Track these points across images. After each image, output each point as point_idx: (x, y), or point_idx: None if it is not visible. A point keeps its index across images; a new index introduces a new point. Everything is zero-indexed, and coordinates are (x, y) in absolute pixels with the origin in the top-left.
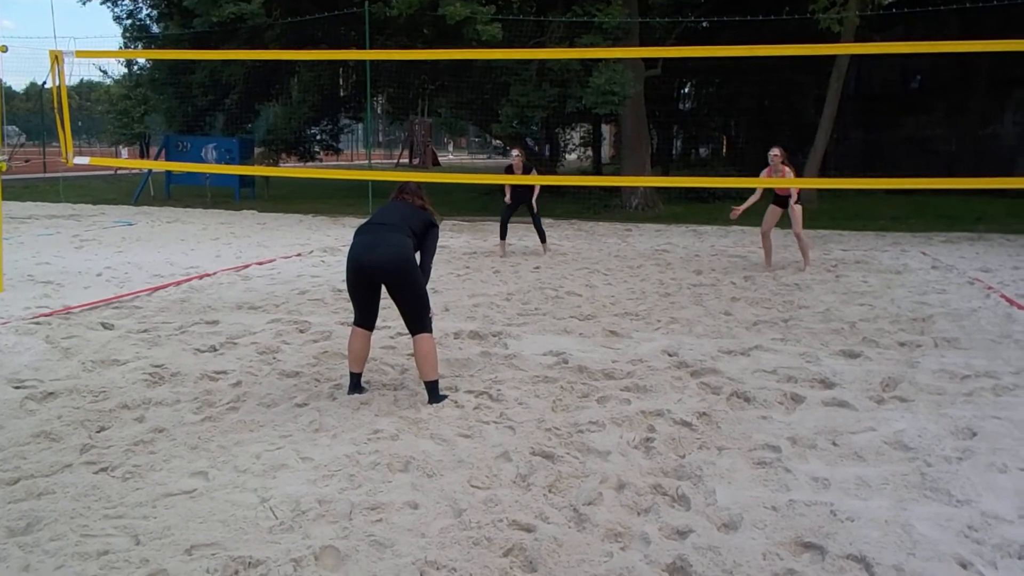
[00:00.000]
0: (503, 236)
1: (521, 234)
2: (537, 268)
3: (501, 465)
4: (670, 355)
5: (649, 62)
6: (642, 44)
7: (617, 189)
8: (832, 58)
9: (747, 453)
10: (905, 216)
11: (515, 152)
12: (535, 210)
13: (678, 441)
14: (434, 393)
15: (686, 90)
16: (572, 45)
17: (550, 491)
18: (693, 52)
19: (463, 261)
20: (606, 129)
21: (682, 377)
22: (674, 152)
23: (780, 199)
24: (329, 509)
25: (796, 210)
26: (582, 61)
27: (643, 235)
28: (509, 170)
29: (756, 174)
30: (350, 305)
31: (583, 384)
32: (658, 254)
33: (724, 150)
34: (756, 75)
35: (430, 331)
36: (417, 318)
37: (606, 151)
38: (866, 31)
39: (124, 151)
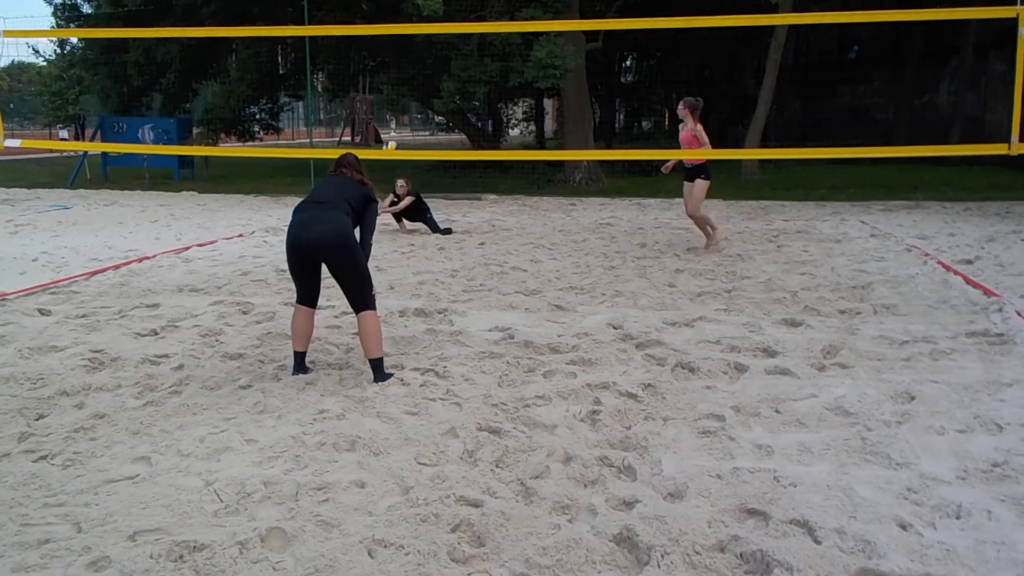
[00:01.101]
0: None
1: (465, 210)
2: (482, 244)
3: (448, 442)
4: (615, 328)
5: (590, 35)
6: (583, 17)
7: (560, 164)
8: (771, 29)
9: (692, 423)
10: (844, 185)
11: (400, 182)
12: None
13: (624, 413)
14: (379, 371)
15: (627, 63)
16: (513, 18)
17: (497, 466)
18: (633, 24)
19: (407, 239)
20: (548, 104)
21: (627, 350)
22: (617, 125)
23: (688, 171)
24: (275, 491)
25: (699, 184)
26: (523, 35)
27: (587, 209)
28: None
29: None
30: (293, 285)
31: (529, 359)
32: (602, 228)
33: (666, 123)
34: (697, 47)
35: (374, 308)
36: (359, 295)
37: (549, 126)
38: (804, 1)
39: (62, 132)
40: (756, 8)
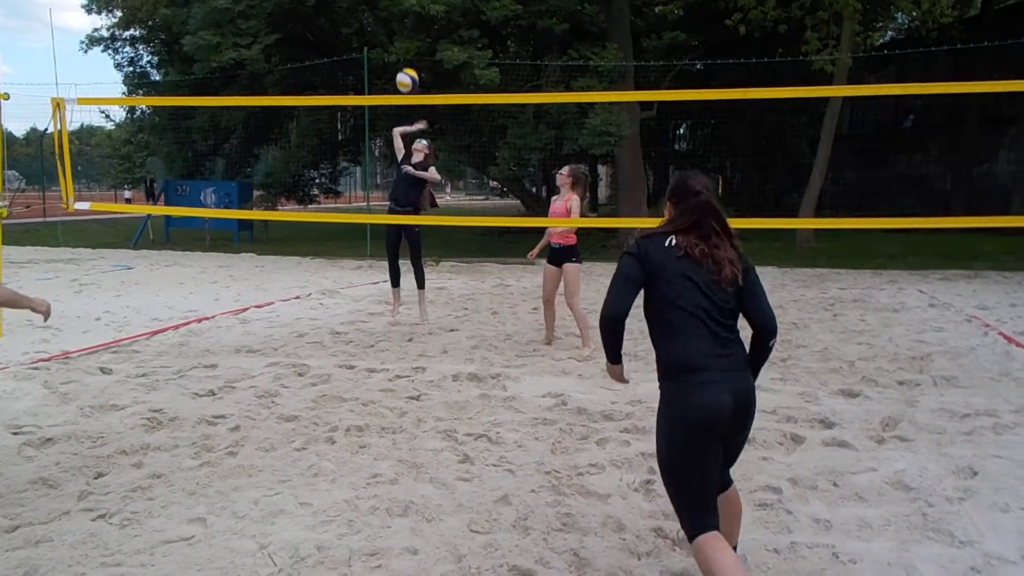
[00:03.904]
0: (395, 281)
1: (519, 274)
2: (535, 309)
3: (501, 509)
4: None
5: (645, 104)
6: (637, 87)
7: (615, 229)
8: (826, 98)
9: (748, 495)
10: (901, 254)
11: (423, 140)
12: (416, 241)
13: None
14: None
15: (681, 131)
16: (568, 88)
17: (550, 535)
18: (688, 96)
19: (461, 303)
20: (602, 170)
21: None
22: None
23: (556, 250)
24: (328, 556)
25: (570, 271)
26: (578, 104)
27: None
28: (406, 159)
29: (752, 213)
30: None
31: (582, 426)
32: None
33: (720, 190)
34: (751, 116)
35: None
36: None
37: (603, 192)
38: (859, 72)
39: (126, 193)
40: (811, 79)
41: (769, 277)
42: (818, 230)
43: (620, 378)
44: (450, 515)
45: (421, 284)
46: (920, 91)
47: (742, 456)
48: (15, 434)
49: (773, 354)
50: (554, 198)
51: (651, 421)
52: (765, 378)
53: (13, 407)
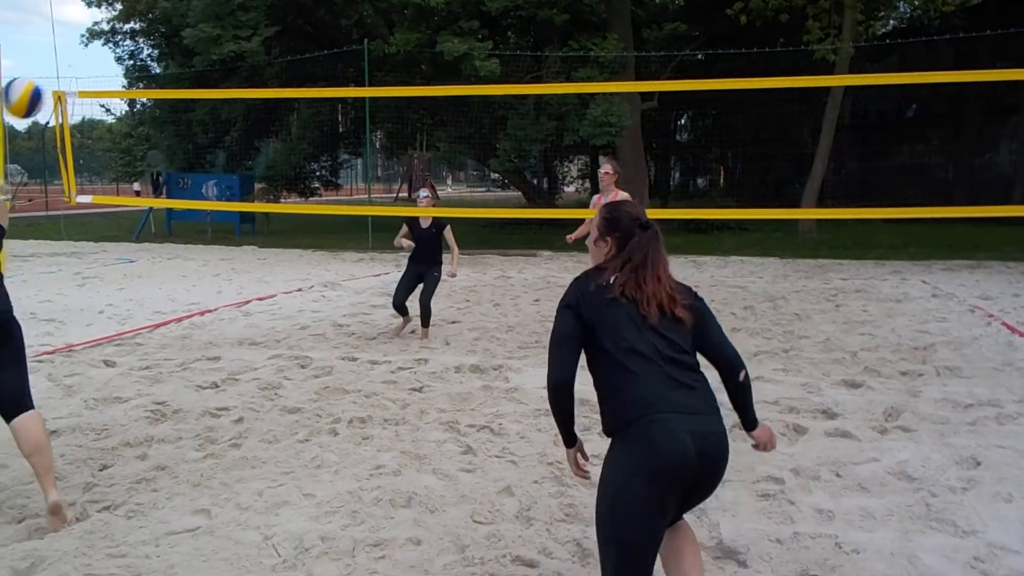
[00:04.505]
0: (402, 311)
1: (521, 266)
2: (537, 301)
3: (504, 500)
4: None
5: (646, 94)
6: (638, 77)
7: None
8: (827, 88)
9: (750, 485)
10: (904, 244)
11: (423, 192)
12: (435, 283)
13: None
14: None
15: (683, 121)
16: (569, 79)
17: (553, 525)
18: (689, 86)
19: (463, 295)
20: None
21: None
22: (672, 183)
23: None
24: (332, 546)
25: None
26: (579, 94)
27: None
28: (412, 226)
29: (754, 204)
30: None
31: (585, 417)
32: None
33: (721, 180)
34: (752, 106)
35: None
36: None
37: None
38: (861, 61)
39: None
40: (812, 68)
41: (771, 268)
42: (820, 220)
43: (579, 469)
44: (453, 506)
45: (426, 323)
46: (922, 80)
47: (744, 447)
48: None
49: (775, 344)
50: (596, 196)
51: None
52: (767, 368)
53: None
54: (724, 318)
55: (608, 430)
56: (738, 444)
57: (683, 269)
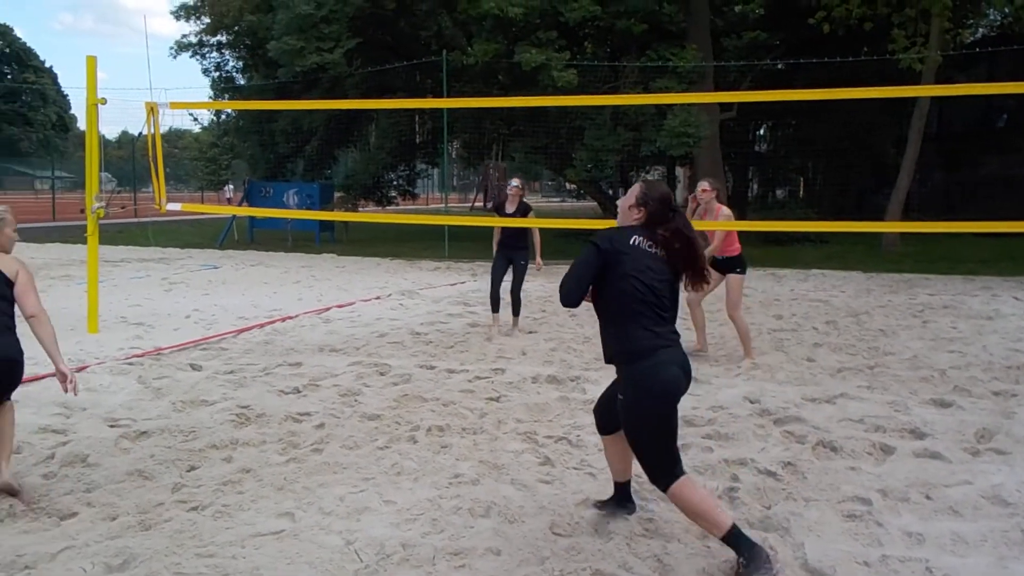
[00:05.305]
0: (495, 307)
1: None
2: None
3: (583, 512)
4: (752, 402)
5: (724, 104)
6: (717, 87)
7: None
8: (914, 98)
9: (836, 505)
10: (994, 259)
11: (514, 182)
12: (522, 272)
13: (763, 491)
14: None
15: (762, 132)
16: (646, 89)
17: (633, 540)
18: (769, 96)
19: (538, 304)
20: (681, 172)
21: (765, 425)
22: (750, 194)
23: (721, 261)
24: (413, 553)
25: (734, 281)
26: (657, 105)
27: None
28: (499, 209)
29: (834, 216)
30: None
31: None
32: None
33: (801, 192)
34: (833, 116)
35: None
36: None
37: (681, 194)
38: (948, 70)
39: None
40: (897, 78)
41: (853, 282)
42: (904, 233)
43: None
44: (532, 517)
45: (517, 313)
46: (1013, 91)
47: (829, 465)
48: (112, 427)
49: (859, 360)
50: (691, 205)
51: (734, 428)
52: (852, 385)
53: (110, 401)
54: (806, 333)
55: (623, 359)
56: (823, 463)
57: (762, 282)
